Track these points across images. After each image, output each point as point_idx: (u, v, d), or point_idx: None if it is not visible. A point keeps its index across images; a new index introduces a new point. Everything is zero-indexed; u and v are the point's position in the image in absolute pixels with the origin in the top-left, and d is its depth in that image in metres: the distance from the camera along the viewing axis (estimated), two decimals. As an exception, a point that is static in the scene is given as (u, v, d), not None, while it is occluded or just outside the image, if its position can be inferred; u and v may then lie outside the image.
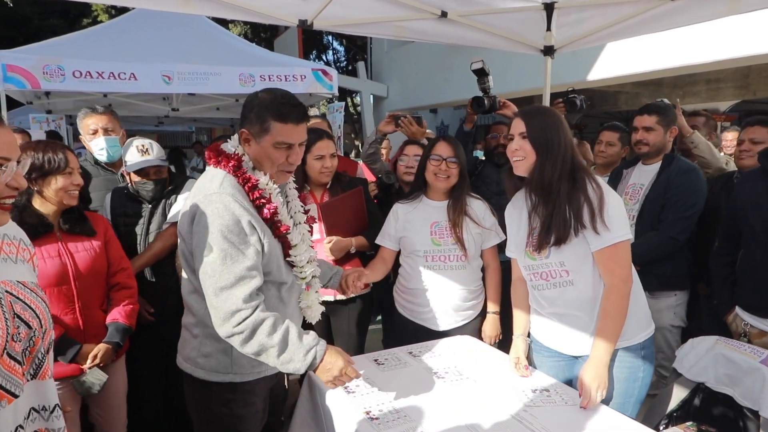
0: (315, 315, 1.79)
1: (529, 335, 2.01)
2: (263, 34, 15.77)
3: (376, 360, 2.04)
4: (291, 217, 1.74)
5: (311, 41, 16.00)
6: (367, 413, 1.62)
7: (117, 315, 2.06)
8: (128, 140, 2.49)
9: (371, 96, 11.70)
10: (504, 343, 2.28)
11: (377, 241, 2.46)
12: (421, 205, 2.37)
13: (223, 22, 8.63)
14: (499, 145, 2.98)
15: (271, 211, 1.60)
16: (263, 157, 1.60)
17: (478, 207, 2.36)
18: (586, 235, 1.72)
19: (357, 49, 15.70)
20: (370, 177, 3.18)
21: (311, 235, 1.86)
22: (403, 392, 1.75)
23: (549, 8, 2.88)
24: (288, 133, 1.57)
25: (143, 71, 4.90)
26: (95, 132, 2.65)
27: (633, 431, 1.55)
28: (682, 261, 2.69)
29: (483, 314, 2.41)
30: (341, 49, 18.35)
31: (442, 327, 2.36)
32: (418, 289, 2.36)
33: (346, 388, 1.79)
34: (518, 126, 1.79)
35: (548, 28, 2.95)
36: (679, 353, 2.17)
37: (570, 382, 1.86)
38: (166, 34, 5.58)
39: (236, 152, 1.61)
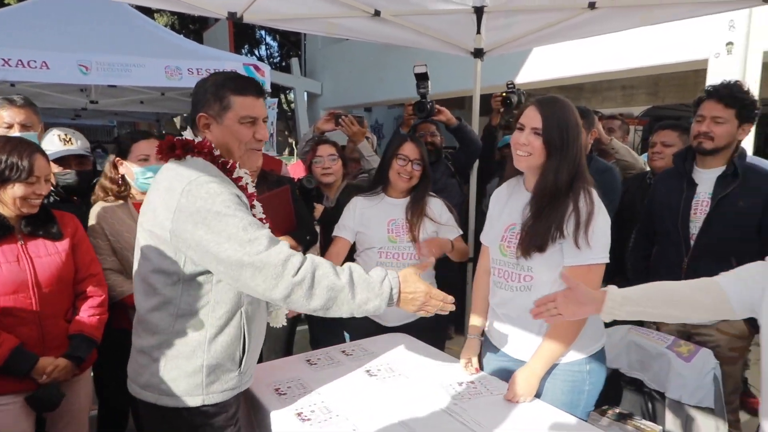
0: (280, 320, 1.73)
1: (483, 333, 1.97)
2: (192, 26, 15.17)
3: (308, 360, 2.02)
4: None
5: (243, 35, 15.59)
6: (299, 415, 1.60)
7: (81, 326, 1.89)
8: (47, 130, 2.32)
9: (305, 93, 11.56)
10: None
11: (334, 233, 2.43)
12: (381, 202, 2.38)
13: (148, 12, 8.21)
14: (427, 143, 3.02)
15: (251, 202, 1.52)
16: (229, 137, 1.49)
17: (435, 205, 2.40)
18: (563, 247, 1.66)
19: (291, 45, 15.47)
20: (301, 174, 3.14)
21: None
22: (336, 392, 1.74)
23: (479, 12, 2.97)
24: (250, 105, 1.49)
25: (57, 60, 4.55)
26: (10, 126, 2.42)
27: (556, 419, 1.62)
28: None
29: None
30: (274, 44, 18.02)
31: (393, 323, 2.36)
32: None
33: (277, 390, 1.76)
34: (533, 119, 1.64)
35: (478, 31, 3.03)
36: (597, 342, 2.31)
37: None
38: (83, 20, 5.22)
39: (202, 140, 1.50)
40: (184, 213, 1.34)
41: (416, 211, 2.32)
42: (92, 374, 2.18)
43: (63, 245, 1.89)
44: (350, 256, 2.48)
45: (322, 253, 2.63)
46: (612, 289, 1.45)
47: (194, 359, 1.44)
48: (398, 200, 2.38)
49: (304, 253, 2.64)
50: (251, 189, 1.57)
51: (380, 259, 2.33)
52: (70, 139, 2.23)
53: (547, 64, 6.69)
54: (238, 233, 1.31)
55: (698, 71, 5.30)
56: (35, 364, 1.75)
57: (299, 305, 1.33)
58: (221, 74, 1.52)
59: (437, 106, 2.86)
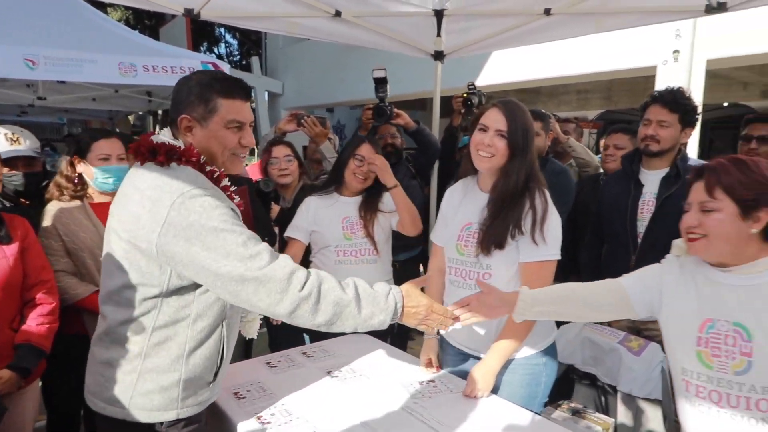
0: (253, 330, 1.67)
1: (438, 333, 1.97)
2: (147, 22, 14.74)
3: (268, 363, 1.99)
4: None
5: (202, 33, 15.26)
6: (259, 418, 1.58)
7: (28, 335, 1.79)
8: None
9: (266, 93, 11.41)
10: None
11: (286, 234, 2.41)
12: (334, 201, 2.39)
13: (101, 6, 7.92)
14: (388, 144, 3.04)
15: (241, 208, 1.45)
16: (213, 142, 1.41)
17: (387, 198, 2.42)
18: (519, 244, 1.71)
19: (251, 43, 15.24)
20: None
21: None
22: (297, 394, 1.73)
23: (439, 15, 3.01)
24: (238, 109, 1.41)
25: (0, 53, 4.34)
26: None
27: (513, 414, 1.66)
28: (556, 254, 2.94)
29: None
30: (234, 42, 17.72)
31: None
32: None
33: (236, 393, 1.73)
34: (497, 120, 1.68)
35: (438, 34, 3.07)
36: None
37: None
38: (30, 12, 4.99)
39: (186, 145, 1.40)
40: (174, 227, 1.25)
41: (370, 209, 2.35)
42: (40, 383, 2.09)
43: (11, 249, 1.80)
44: (306, 258, 2.46)
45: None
46: (524, 290, 1.51)
47: (171, 374, 1.36)
48: (351, 198, 2.40)
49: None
50: (236, 197, 1.50)
51: (338, 258, 2.34)
52: (17, 139, 2.13)
53: (507, 68, 6.84)
54: (237, 249, 1.25)
55: (648, 77, 5.54)
56: None
57: (304, 320, 1.29)
58: (207, 73, 1.44)
59: (396, 110, 2.87)
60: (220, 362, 1.45)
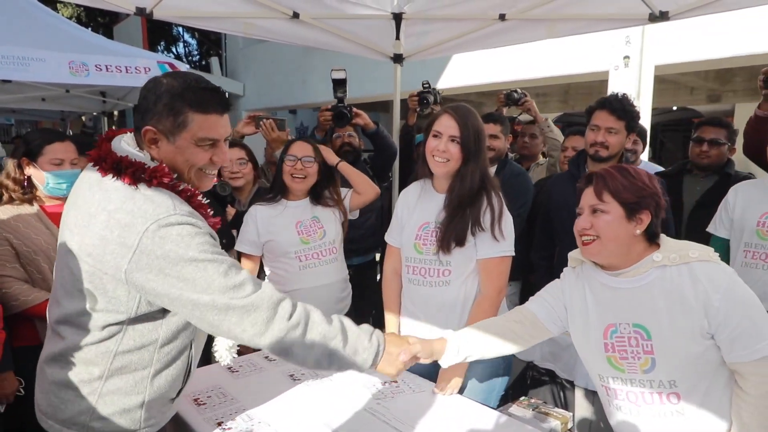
0: (228, 357, 1.65)
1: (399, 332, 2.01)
2: (101, 19, 14.26)
3: (230, 368, 1.96)
4: None
5: (159, 32, 14.87)
6: (219, 424, 1.56)
7: None
8: None
9: (226, 93, 11.23)
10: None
11: (237, 248, 2.36)
12: (283, 208, 2.33)
13: (50, 3, 7.62)
14: (344, 143, 3.02)
15: (216, 226, 1.35)
16: (179, 159, 1.27)
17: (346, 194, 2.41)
18: (477, 241, 1.78)
19: (211, 43, 14.95)
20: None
21: None
22: (259, 398, 1.71)
23: (397, 18, 3.03)
24: (212, 126, 1.26)
25: (-61, 51, 4.12)
26: None
27: (474, 412, 1.70)
28: (515, 254, 3.00)
29: (352, 303, 2.49)
30: (193, 42, 17.34)
31: None
32: (295, 291, 2.28)
33: (196, 400, 1.70)
34: (450, 126, 1.75)
35: (397, 37, 3.10)
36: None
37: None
38: (-28, 9, 4.76)
39: (155, 161, 1.26)
40: (147, 256, 1.16)
41: (321, 205, 2.33)
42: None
43: None
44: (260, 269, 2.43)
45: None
46: (450, 339, 1.54)
47: (134, 396, 1.28)
48: (300, 202, 2.34)
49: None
50: (212, 211, 1.39)
51: (301, 263, 2.30)
52: None
53: (467, 71, 6.95)
54: (219, 279, 1.18)
55: (602, 81, 5.74)
56: None
57: (292, 351, 1.24)
58: (180, 79, 1.26)
59: (355, 110, 2.87)
60: (185, 380, 1.40)
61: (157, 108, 1.24)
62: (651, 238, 1.41)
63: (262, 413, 1.62)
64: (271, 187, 2.42)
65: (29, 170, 2.06)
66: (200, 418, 1.60)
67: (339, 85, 2.81)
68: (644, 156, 3.74)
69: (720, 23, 4.29)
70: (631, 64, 5.04)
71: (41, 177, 2.06)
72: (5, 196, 2.07)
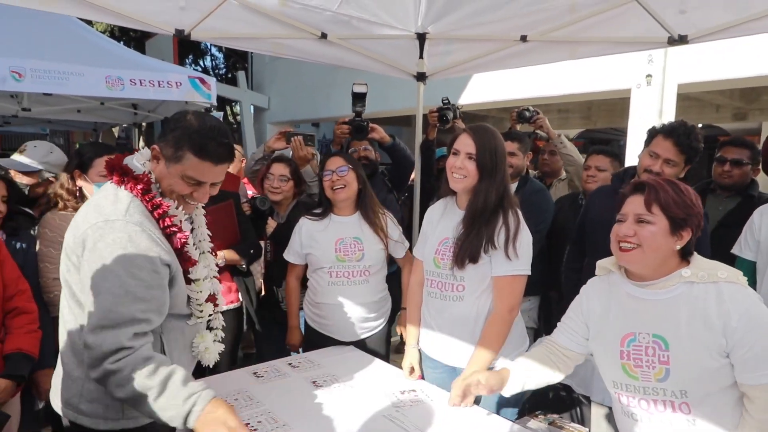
0: (212, 357, 1.66)
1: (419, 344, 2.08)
2: (133, 33, 14.71)
3: (255, 373, 2.05)
4: (196, 247, 1.60)
5: (188, 46, 15.27)
6: (246, 425, 1.63)
7: (18, 343, 1.81)
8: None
9: (251, 106, 11.47)
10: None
11: (285, 256, 2.47)
12: (329, 223, 2.40)
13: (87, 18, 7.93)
14: (361, 158, 3.06)
15: (182, 241, 1.45)
16: (166, 182, 1.44)
17: (388, 221, 2.45)
18: (492, 259, 1.82)
19: (237, 57, 15.30)
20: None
21: (216, 261, 1.74)
22: (282, 402, 1.79)
23: (421, 38, 3.12)
24: (202, 171, 1.41)
25: (-13, 65, 4.36)
26: None
27: (491, 422, 1.74)
28: (534, 270, 3.01)
29: (390, 321, 2.51)
30: (220, 56, 17.74)
31: (349, 338, 2.40)
32: (324, 304, 2.39)
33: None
34: (467, 145, 1.82)
35: (421, 56, 3.19)
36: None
37: None
38: (17, 25, 5.02)
39: (145, 172, 1.45)
40: (84, 243, 1.34)
41: (375, 227, 2.37)
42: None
43: None
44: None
45: (276, 272, 2.66)
46: (513, 371, 1.67)
47: None
48: (346, 218, 2.41)
49: (248, 265, 2.70)
50: (187, 227, 1.51)
51: (331, 279, 2.37)
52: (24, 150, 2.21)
53: (489, 88, 7.02)
54: (106, 296, 1.29)
55: (625, 99, 5.75)
56: None
57: (108, 389, 1.31)
58: (198, 122, 1.41)
59: (371, 125, 2.93)
60: None
61: (167, 135, 1.41)
62: (685, 254, 1.45)
63: (286, 416, 1.69)
64: (318, 202, 2.50)
65: (80, 182, 2.20)
66: (227, 419, 1.67)
67: (359, 99, 2.87)
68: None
69: (743, 43, 4.29)
70: (653, 82, 5.05)
71: (90, 188, 2.19)
72: (60, 204, 2.22)
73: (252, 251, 2.69)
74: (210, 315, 1.60)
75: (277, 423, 1.65)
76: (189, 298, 1.52)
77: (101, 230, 1.32)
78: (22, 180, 2.94)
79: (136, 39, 14.61)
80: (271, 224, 2.74)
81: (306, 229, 2.42)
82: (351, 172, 2.36)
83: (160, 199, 1.43)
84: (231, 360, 2.58)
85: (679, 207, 1.41)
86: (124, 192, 1.40)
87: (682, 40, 2.32)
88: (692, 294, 1.39)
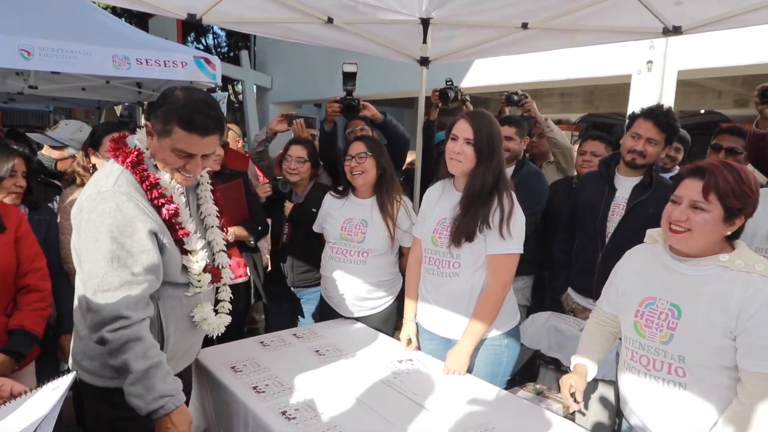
0: (212, 329, 1.69)
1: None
2: (135, 11, 14.63)
3: (262, 342, 2.18)
4: (200, 220, 1.68)
5: (190, 24, 15.18)
6: (254, 388, 1.77)
7: (21, 320, 1.87)
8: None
9: (254, 86, 11.48)
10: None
11: (314, 228, 2.61)
12: (344, 202, 2.52)
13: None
14: (358, 138, 3.16)
15: (170, 212, 1.50)
16: (159, 156, 1.52)
17: (401, 213, 2.47)
18: (486, 238, 1.92)
19: (240, 36, 15.22)
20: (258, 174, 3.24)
21: (226, 237, 1.78)
22: (287, 369, 1.92)
23: (425, 23, 3.18)
24: (190, 143, 1.47)
25: (-4, 43, 4.42)
26: None
27: (482, 389, 1.87)
28: (528, 250, 3.11)
29: (397, 302, 2.53)
30: (222, 34, 17.64)
31: (348, 314, 2.50)
32: (325, 276, 2.54)
33: (233, 368, 1.91)
34: (465, 130, 1.91)
35: (424, 41, 3.25)
36: (522, 327, 2.59)
37: None
38: (26, 4, 5.07)
39: (137, 146, 1.53)
40: (80, 213, 1.44)
41: (382, 211, 2.43)
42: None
43: (5, 238, 1.89)
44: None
45: (292, 252, 2.77)
46: (589, 366, 1.81)
47: None
48: (362, 201, 2.49)
49: (256, 241, 2.81)
50: (179, 199, 1.56)
51: (332, 254, 2.50)
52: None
53: (492, 71, 7.05)
54: (100, 262, 1.39)
55: (626, 84, 5.79)
56: None
57: (103, 351, 1.42)
58: (185, 96, 1.46)
59: (363, 103, 2.97)
60: (162, 342, 1.53)
61: (158, 111, 1.48)
62: (731, 239, 1.48)
63: (290, 381, 1.83)
64: (343, 181, 2.58)
65: (93, 159, 2.32)
66: (237, 382, 1.81)
67: (349, 78, 2.92)
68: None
69: (745, 31, 4.33)
70: (654, 68, 5.10)
71: (102, 164, 2.29)
72: (78, 180, 2.35)
73: (260, 228, 2.80)
74: (210, 286, 1.65)
75: (283, 387, 1.79)
76: (186, 267, 1.57)
77: (94, 201, 1.42)
78: (51, 154, 3.10)
79: (138, 15, 14.52)
80: (288, 206, 2.82)
81: (327, 203, 2.56)
82: (370, 158, 2.43)
83: (150, 172, 1.50)
84: (238, 331, 2.71)
85: (737, 197, 1.40)
86: (117, 165, 1.49)
87: (677, 30, 2.39)
88: (723, 278, 1.43)
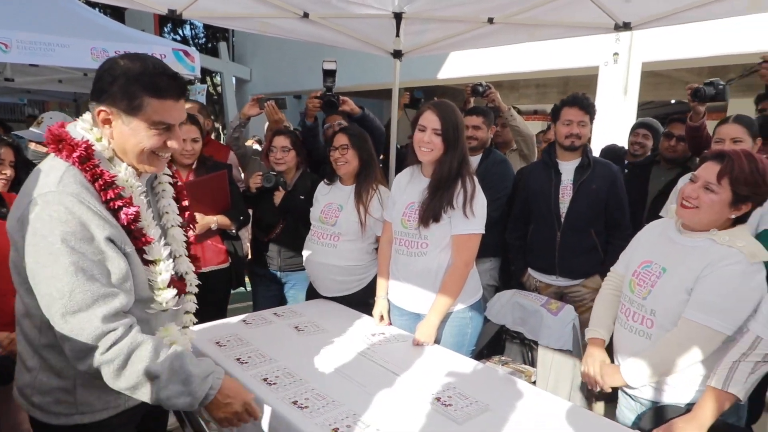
0: (184, 342, 1.47)
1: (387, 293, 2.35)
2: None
3: (244, 320, 2.32)
4: (159, 221, 1.45)
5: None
6: (238, 359, 1.91)
7: None
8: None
9: (233, 78, 11.49)
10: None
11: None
12: (330, 189, 2.67)
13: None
14: (336, 132, 3.29)
15: (129, 216, 1.27)
16: (132, 140, 1.27)
17: (374, 201, 2.55)
18: (452, 219, 2.07)
19: (218, 28, 15.14)
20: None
21: (187, 235, 1.55)
22: (269, 343, 2.07)
23: (398, 17, 3.32)
24: (167, 110, 1.27)
25: (-27, 37, 4.43)
26: None
27: (450, 357, 2.04)
28: (495, 233, 3.30)
29: (368, 288, 2.62)
30: (199, 25, 17.49)
31: (325, 293, 2.65)
32: (305, 258, 2.69)
33: (218, 343, 2.05)
34: (433, 121, 2.04)
35: (397, 35, 3.39)
36: (489, 304, 2.78)
37: None
38: (2, -3, 5.06)
39: (84, 138, 1.27)
40: (23, 225, 1.18)
41: (358, 199, 2.55)
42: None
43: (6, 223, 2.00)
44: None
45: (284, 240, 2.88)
46: (603, 335, 1.94)
47: (63, 379, 1.32)
48: (344, 187, 2.64)
49: (237, 230, 2.92)
50: (140, 201, 1.33)
51: (310, 235, 2.66)
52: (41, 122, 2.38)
53: (467, 63, 7.23)
54: (62, 278, 1.14)
55: (596, 76, 6.02)
56: None
57: (107, 380, 1.20)
58: (138, 63, 1.25)
59: (342, 98, 3.10)
60: None
61: (112, 89, 1.24)
62: (737, 221, 1.63)
63: (272, 353, 1.98)
64: (330, 170, 2.70)
65: None
66: (222, 355, 1.95)
67: (329, 75, 3.03)
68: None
69: (707, 23, 4.55)
70: (619, 60, 5.33)
71: None
72: None
73: (242, 218, 2.93)
74: (174, 299, 1.40)
75: (264, 358, 1.93)
76: (149, 281, 1.34)
77: (36, 206, 1.17)
78: (39, 149, 3.11)
79: (113, 7, 14.32)
80: (278, 195, 2.90)
81: (319, 188, 2.72)
82: (352, 150, 2.56)
83: (103, 168, 1.26)
84: (221, 316, 2.84)
85: (748, 185, 1.54)
86: (59, 161, 1.24)
87: (627, 26, 2.59)
88: (708, 249, 1.61)
